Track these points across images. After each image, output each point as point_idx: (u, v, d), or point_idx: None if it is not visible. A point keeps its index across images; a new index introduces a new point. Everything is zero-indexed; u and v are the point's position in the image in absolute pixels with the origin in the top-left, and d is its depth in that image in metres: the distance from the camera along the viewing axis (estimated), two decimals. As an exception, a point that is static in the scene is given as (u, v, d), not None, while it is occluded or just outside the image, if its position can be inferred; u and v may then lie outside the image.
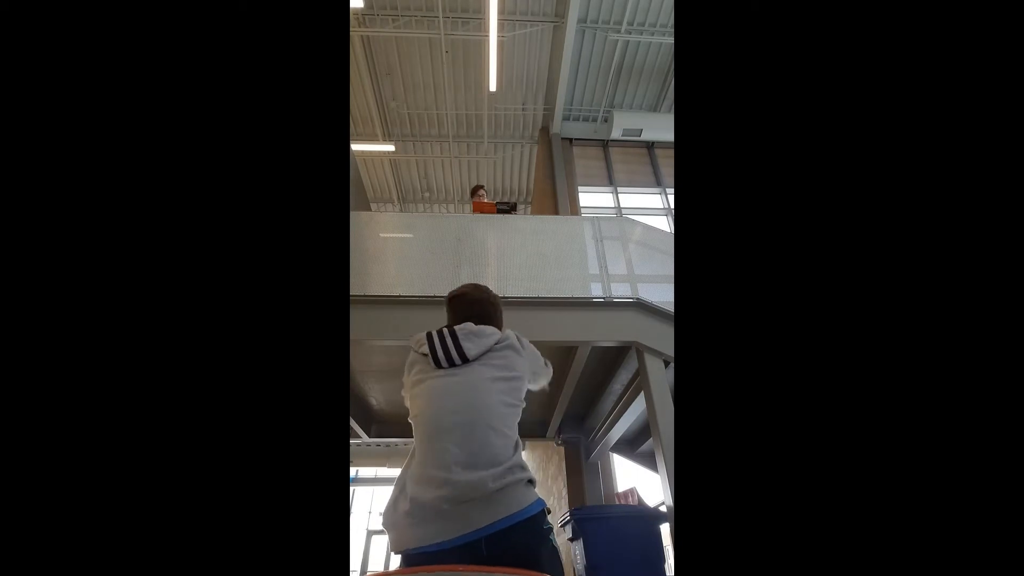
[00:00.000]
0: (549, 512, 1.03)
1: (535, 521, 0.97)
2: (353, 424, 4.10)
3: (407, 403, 1.18)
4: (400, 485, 1.03)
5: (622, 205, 6.71)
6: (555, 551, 0.99)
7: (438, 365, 1.13)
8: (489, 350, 1.16)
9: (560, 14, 6.06)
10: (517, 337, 1.23)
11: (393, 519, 0.99)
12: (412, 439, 1.10)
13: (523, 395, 1.17)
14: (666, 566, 3.09)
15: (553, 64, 6.60)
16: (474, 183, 8.50)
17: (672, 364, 3.11)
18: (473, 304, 1.30)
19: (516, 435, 1.08)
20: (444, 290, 3.20)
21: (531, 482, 1.02)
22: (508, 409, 1.09)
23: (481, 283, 1.42)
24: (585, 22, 6.22)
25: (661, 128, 6.96)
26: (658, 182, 6.90)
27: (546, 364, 1.36)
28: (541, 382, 1.33)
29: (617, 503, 4.65)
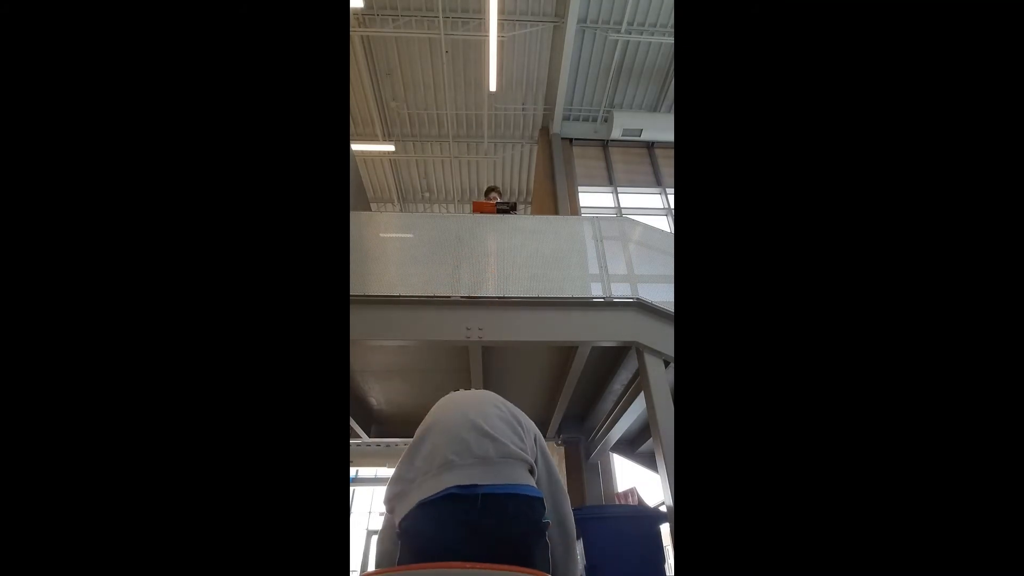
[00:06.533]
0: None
1: (532, 506, 0.99)
2: (353, 424, 4.09)
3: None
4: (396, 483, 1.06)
5: (622, 205, 6.70)
6: (547, 547, 1.00)
7: None
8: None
9: (560, 14, 6.06)
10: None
11: (393, 505, 1.04)
12: (411, 439, 1.11)
13: (528, 454, 1.08)
14: (666, 566, 3.09)
15: (553, 64, 6.60)
16: (474, 183, 8.49)
17: (672, 364, 3.11)
18: None
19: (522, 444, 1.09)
20: (444, 290, 3.22)
21: (531, 471, 1.06)
22: (512, 433, 1.09)
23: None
24: (585, 22, 6.22)
25: (661, 128, 6.96)
26: (658, 182, 6.90)
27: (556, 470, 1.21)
28: (555, 487, 1.15)
29: (617, 503, 4.65)
